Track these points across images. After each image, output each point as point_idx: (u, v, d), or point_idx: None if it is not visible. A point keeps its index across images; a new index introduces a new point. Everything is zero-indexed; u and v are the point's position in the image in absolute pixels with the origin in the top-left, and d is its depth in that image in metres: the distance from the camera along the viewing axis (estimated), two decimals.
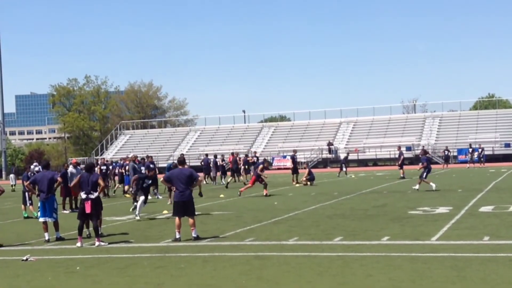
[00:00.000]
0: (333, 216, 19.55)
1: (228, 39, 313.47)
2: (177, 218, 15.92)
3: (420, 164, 31.16)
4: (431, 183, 29.89)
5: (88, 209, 15.92)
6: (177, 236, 15.80)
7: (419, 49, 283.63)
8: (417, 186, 30.17)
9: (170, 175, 16.45)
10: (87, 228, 16.97)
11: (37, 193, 17.45)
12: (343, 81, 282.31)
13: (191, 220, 15.89)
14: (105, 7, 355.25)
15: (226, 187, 38.37)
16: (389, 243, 14.25)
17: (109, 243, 15.79)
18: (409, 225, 16.81)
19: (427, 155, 32.43)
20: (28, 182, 18.63)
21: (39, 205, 17.57)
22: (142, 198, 19.41)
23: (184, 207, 15.90)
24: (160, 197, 32.37)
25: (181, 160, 16.95)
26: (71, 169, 28.47)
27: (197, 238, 15.63)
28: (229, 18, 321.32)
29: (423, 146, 40.63)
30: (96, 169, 37.88)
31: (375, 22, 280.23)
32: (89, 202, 15.95)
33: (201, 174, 33.31)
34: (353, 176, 47.36)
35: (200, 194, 30.70)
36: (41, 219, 17.25)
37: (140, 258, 13.63)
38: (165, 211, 23.50)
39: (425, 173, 30.26)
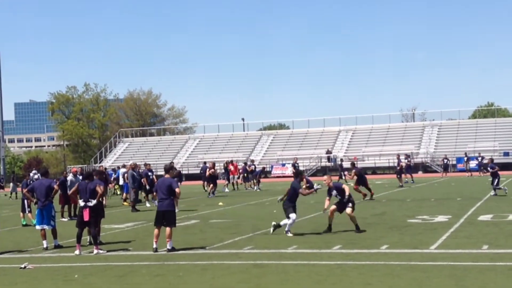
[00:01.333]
0: (332, 224, 19.57)
1: (227, 47, 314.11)
2: (155, 228, 15.68)
3: (488, 171, 31.63)
4: (502, 187, 30.56)
5: (86, 217, 15.90)
6: (154, 246, 15.54)
7: (418, 57, 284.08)
8: (493, 192, 30.52)
9: (156, 184, 16.36)
10: (89, 235, 16.91)
11: (35, 200, 17.45)
12: (342, 89, 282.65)
13: (167, 230, 15.57)
14: (105, 15, 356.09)
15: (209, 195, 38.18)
16: (388, 251, 14.25)
17: (107, 251, 15.77)
18: (408, 234, 16.81)
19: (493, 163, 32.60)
20: (26, 189, 18.63)
21: (36, 212, 17.59)
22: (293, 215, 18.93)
23: (162, 217, 15.63)
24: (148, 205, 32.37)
25: (166, 169, 16.72)
26: (70, 177, 28.43)
27: (171, 250, 15.35)
28: (229, 26, 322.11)
29: (491, 157, 40.42)
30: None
31: (375, 31, 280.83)
32: (87, 210, 15.93)
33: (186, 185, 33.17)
34: (351, 185, 47.31)
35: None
36: (38, 227, 17.27)
37: (139, 266, 13.61)
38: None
39: (496, 180, 30.47)
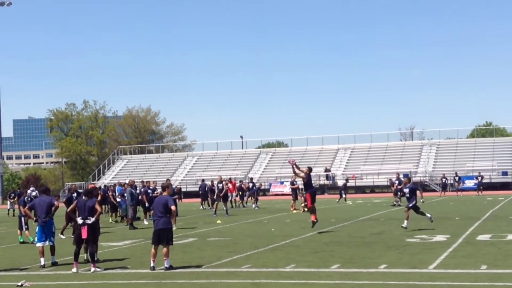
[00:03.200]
0: (330, 243, 19.48)
1: (227, 65, 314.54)
2: (152, 247, 15.59)
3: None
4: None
5: (84, 235, 15.85)
6: (151, 265, 15.45)
7: (414, 74, 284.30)
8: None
9: (153, 203, 16.33)
10: (85, 252, 16.84)
11: (34, 218, 17.42)
12: (341, 108, 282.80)
13: (164, 249, 15.51)
14: (103, 32, 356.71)
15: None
16: (387, 271, 14.18)
17: (104, 269, 15.72)
18: (406, 253, 16.76)
19: None
20: (26, 207, 18.58)
21: (36, 230, 17.55)
22: None
23: (159, 235, 15.56)
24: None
25: (163, 187, 16.72)
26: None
27: (169, 269, 15.28)
28: (227, 44, 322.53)
29: (408, 175, 40.71)
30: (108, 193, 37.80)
31: (372, 50, 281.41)
32: (86, 227, 15.89)
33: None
34: (350, 203, 47.31)
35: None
36: (39, 244, 17.23)
37: (136, 285, 13.56)
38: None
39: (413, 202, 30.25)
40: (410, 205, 23.68)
